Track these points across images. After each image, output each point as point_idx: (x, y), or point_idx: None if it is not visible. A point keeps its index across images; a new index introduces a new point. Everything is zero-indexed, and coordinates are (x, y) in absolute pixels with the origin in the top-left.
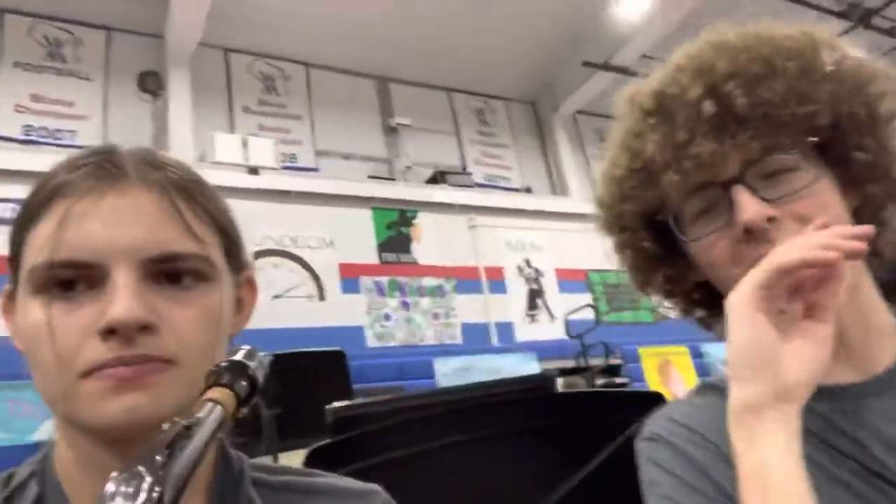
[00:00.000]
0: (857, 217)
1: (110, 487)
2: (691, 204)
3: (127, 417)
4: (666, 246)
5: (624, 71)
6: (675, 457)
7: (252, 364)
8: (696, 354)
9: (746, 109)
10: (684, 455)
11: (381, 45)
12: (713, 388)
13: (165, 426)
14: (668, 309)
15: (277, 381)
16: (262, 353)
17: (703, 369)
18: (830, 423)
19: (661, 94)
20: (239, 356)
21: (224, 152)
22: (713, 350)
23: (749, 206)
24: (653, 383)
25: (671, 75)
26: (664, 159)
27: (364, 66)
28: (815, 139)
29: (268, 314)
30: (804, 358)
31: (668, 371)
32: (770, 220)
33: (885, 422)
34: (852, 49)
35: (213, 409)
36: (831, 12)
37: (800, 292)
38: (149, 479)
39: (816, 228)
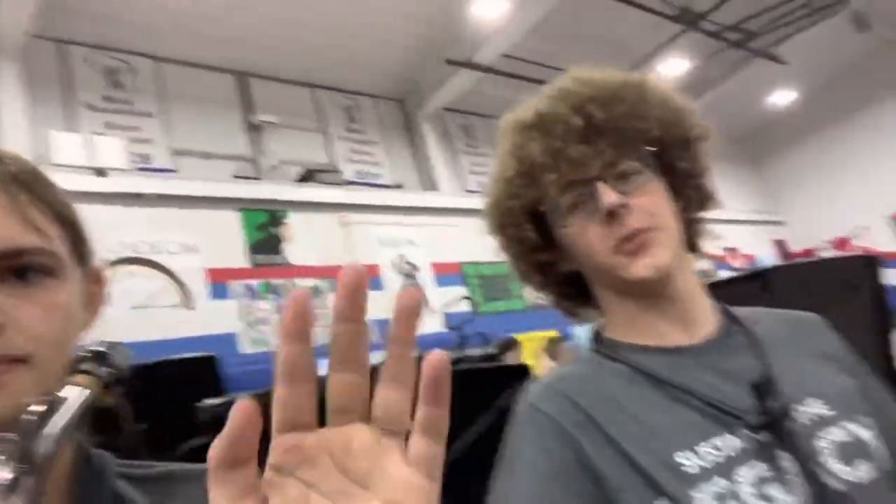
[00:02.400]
0: (684, 214)
1: None
2: (565, 199)
3: None
4: (544, 237)
5: (486, 69)
6: (541, 437)
7: (114, 353)
8: (568, 337)
9: (603, 122)
10: (550, 439)
11: (237, 39)
12: (588, 360)
13: (34, 401)
14: (542, 299)
15: (144, 393)
16: (124, 347)
17: (576, 350)
18: (670, 372)
19: (539, 113)
20: (100, 347)
21: (64, 153)
22: (580, 332)
23: (609, 195)
24: (533, 367)
25: (545, 100)
26: (544, 162)
27: (220, 60)
28: (652, 149)
29: (129, 326)
30: None
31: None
32: (624, 206)
33: (713, 374)
34: (672, 86)
35: (73, 390)
36: (666, 16)
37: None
38: (21, 443)
39: None
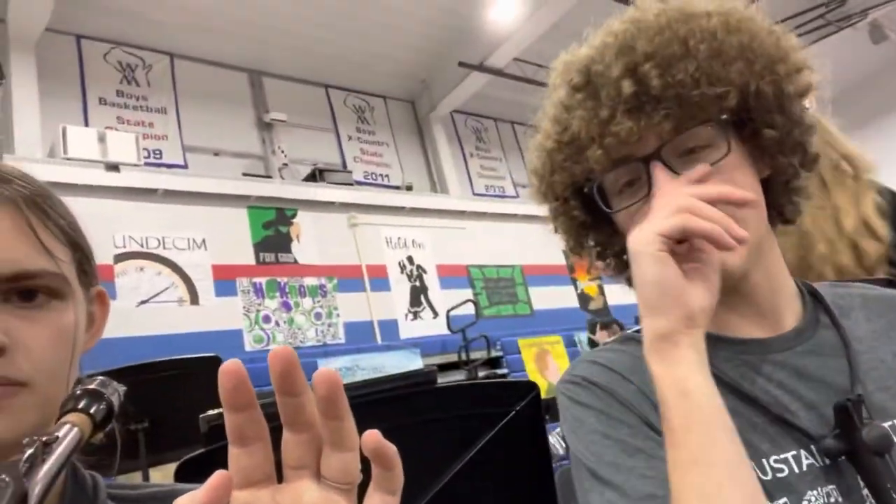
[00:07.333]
0: (768, 185)
1: None
2: (615, 177)
3: None
4: (595, 214)
5: (497, 72)
6: (598, 395)
7: (107, 391)
8: (570, 343)
9: (661, 90)
10: (607, 392)
11: (253, 38)
12: (632, 339)
13: (25, 441)
14: (601, 270)
15: (146, 391)
16: (115, 383)
17: (576, 357)
18: (739, 372)
19: (587, 71)
20: (94, 385)
21: (78, 147)
22: (584, 338)
23: (662, 180)
24: (531, 372)
25: (598, 51)
26: (589, 134)
27: (235, 58)
28: (726, 117)
29: (134, 321)
30: (701, 288)
31: (545, 360)
32: None
33: (787, 374)
34: (768, 21)
35: (70, 430)
36: None
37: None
38: (13, 486)
39: (693, 180)
